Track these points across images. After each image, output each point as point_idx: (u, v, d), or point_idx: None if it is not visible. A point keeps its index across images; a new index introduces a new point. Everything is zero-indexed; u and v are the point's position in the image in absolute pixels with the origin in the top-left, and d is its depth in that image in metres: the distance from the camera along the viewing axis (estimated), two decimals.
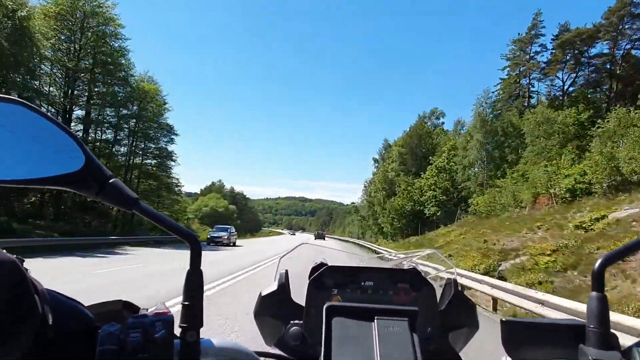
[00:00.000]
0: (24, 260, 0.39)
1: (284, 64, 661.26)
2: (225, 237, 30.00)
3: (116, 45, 27.94)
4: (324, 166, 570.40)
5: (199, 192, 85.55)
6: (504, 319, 0.58)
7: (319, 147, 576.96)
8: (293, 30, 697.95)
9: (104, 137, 31.51)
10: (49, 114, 0.44)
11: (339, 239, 68.09)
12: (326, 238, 69.50)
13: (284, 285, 0.85)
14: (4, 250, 0.37)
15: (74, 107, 27.24)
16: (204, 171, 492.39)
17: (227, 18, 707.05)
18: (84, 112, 28.28)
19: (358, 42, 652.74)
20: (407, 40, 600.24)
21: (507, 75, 40.22)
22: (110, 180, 0.45)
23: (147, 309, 0.47)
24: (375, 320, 0.54)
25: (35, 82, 23.43)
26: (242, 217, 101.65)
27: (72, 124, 26.96)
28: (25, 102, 0.43)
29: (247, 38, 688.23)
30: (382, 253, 17.03)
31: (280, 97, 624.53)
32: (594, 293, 0.51)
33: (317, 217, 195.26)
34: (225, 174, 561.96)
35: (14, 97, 0.43)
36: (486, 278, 9.12)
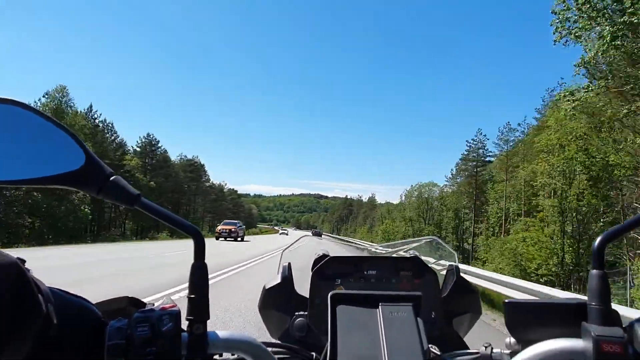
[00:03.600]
0: (25, 261, 0.39)
1: (291, 69, 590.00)
2: None
3: None
4: (341, 168, 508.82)
5: None
6: (506, 301, 0.57)
7: (337, 149, 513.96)
8: (319, 30, 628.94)
9: None
10: (47, 113, 0.44)
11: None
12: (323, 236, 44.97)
13: (287, 278, 0.86)
14: (5, 251, 0.37)
15: None
16: (213, 168, 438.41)
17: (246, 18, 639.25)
18: None
19: (378, 46, 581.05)
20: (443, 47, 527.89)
21: None
22: (111, 178, 0.45)
23: (154, 304, 0.47)
24: (380, 307, 0.54)
25: None
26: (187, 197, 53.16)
27: None
28: (21, 101, 0.42)
29: (268, 42, 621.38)
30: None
31: (298, 99, 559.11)
32: (594, 270, 0.51)
33: (332, 212, 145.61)
34: (239, 172, 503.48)
35: (10, 98, 0.42)
36: None
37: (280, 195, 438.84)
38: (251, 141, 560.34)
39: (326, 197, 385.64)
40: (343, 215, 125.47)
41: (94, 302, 0.48)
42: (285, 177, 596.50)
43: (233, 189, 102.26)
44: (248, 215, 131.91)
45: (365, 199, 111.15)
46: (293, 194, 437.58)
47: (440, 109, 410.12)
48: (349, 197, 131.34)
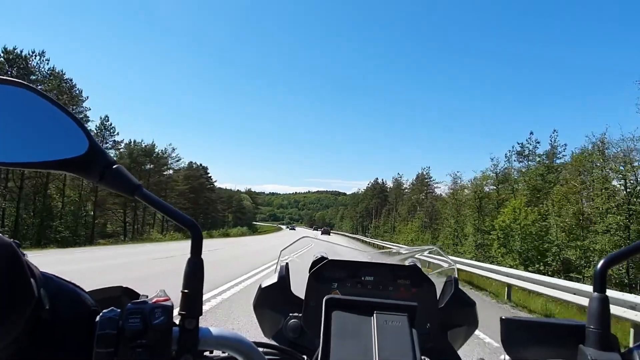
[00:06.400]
0: (20, 245, 0.39)
1: (307, 63, 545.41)
2: None
3: None
4: (363, 167, 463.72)
5: None
6: (503, 317, 0.56)
7: (357, 148, 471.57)
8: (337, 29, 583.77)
9: None
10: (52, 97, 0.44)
11: None
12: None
13: (284, 278, 0.86)
14: (0, 235, 0.37)
15: None
16: (235, 169, 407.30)
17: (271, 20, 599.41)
18: None
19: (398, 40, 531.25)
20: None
21: None
22: (114, 166, 0.45)
23: (147, 296, 0.47)
24: (375, 315, 0.53)
25: None
26: None
27: None
28: (29, 84, 0.43)
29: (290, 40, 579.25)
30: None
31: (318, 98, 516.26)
32: (595, 294, 0.50)
33: (354, 204, 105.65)
34: (256, 172, 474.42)
35: (17, 80, 0.42)
36: None
37: (295, 193, 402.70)
38: (268, 141, 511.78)
39: (344, 194, 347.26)
40: (371, 207, 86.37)
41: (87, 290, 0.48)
42: (303, 176, 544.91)
43: (200, 165, 64.54)
44: (238, 209, 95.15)
45: (408, 181, 71.71)
46: (309, 191, 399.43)
47: (471, 106, 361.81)
48: (380, 181, 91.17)
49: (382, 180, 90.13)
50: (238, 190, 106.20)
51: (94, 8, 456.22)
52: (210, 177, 66.62)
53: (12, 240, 0.38)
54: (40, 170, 0.57)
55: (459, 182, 39.40)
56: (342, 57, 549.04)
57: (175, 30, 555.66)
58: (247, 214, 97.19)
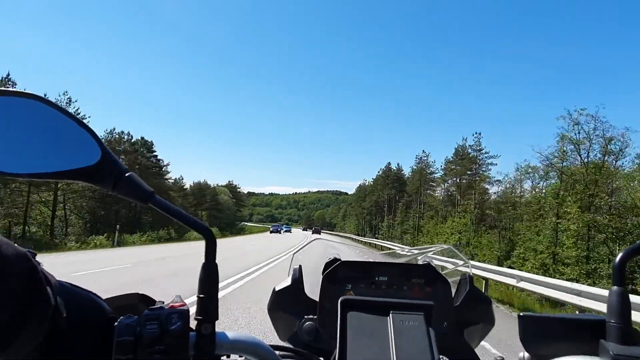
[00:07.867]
0: (35, 254, 0.39)
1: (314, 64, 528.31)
2: None
3: None
4: (365, 166, 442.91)
5: None
6: (521, 314, 0.56)
7: (356, 148, 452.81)
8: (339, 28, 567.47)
9: None
10: (64, 107, 0.44)
11: None
12: None
13: (297, 281, 0.86)
14: (16, 245, 0.37)
15: None
16: (235, 169, 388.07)
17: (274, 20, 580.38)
18: None
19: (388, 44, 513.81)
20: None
21: None
22: (126, 174, 0.45)
23: (164, 302, 0.47)
24: (391, 315, 0.53)
25: None
26: None
27: None
28: (40, 96, 0.43)
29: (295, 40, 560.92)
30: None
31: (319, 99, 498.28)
32: (614, 287, 0.49)
33: (359, 199, 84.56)
34: (256, 173, 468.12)
35: (29, 92, 0.43)
36: None
37: (295, 193, 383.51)
38: (268, 141, 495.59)
39: (346, 194, 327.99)
40: (382, 201, 66.39)
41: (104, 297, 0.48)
42: (304, 176, 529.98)
43: (141, 139, 44.93)
44: (212, 206, 75.48)
45: (435, 162, 51.87)
46: (309, 191, 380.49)
47: (474, 105, 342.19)
48: (394, 167, 70.02)
49: (398, 164, 69.29)
50: (216, 184, 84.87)
51: (94, 8, 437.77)
52: (157, 156, 46.65)
53: (27, 249, 0.37)
54: (53, 181, 0.44)
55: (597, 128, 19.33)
56: (342, 57, 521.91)
57: (175, 30, 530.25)
58: (225, 211, 77.01)
